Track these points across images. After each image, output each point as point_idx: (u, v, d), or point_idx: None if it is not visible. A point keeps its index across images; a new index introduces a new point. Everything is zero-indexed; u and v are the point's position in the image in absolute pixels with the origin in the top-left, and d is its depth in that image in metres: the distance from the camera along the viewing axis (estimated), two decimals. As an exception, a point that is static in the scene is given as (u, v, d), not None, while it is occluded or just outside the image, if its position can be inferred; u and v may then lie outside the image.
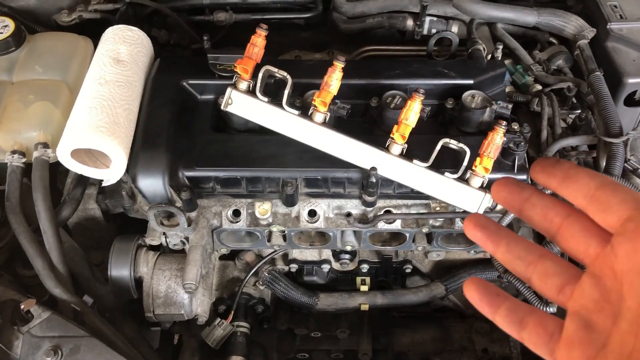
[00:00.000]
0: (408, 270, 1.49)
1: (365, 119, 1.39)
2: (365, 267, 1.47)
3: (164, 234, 1.28)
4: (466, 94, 1.32)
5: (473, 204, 1.20)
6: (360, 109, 1.38)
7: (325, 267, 1.47)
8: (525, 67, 1.51)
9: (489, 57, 1.51)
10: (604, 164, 1.24)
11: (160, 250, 1.33)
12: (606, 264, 0.46)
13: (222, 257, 1.49)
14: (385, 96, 1.33)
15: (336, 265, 1.48)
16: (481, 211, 1.20)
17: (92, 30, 1.45)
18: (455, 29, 1.68)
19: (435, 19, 1.72)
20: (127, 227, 1.41)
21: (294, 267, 1.46)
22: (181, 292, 1.24)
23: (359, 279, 1.49)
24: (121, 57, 1.32)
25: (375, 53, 1.81)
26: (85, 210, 1.31)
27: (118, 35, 1.37)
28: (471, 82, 1.36)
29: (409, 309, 1.66)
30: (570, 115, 1.42)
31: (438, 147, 1.17)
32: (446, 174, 1.19)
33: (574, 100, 1.42)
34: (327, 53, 1.87)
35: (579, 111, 1.40)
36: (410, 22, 1.75)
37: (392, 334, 1.61)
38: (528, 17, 1.43)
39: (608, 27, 1.41)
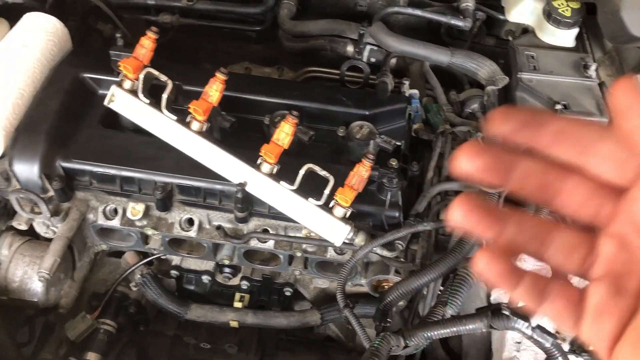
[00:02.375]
0: (288, 294, 1.47)
1: (263, 136, 1.38)
2: (245, 284, 1.46)
3: (32, 220, 1.29)
4: (354, 124, 1.31)
5: (332, 233, 1.18)
6: (259, 124, 1.38)
7: (206, 279, 1.46)
8: (439, 106, 1.49)
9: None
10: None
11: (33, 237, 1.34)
12: (627, 221, 0.41)
13: (111, 254, 1.50)
14: (274, 115, 1.33)
15: (219, 278, 1.47)
16: (339, 242, 1.19)
17: (16, 17, 1.48)
18: (393, 61, 1.67)
19: (375, 48, 1.71)
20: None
21: (175, 273, 1.46)
22: (36, 279, 1.24)
23: (238, 295, 1.47)
24: (27, 43, 1.34)
25: (319, 75, 1.81)
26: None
27: (32, 22, 1.39)
28: (366, 113, 1.35)
29: (300, 334, 1.64)
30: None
31: (302, 171, 1.16)
32: (310, 199, 1.18)
33: (478, 145, 1.39)
34: (276, 68, 1.87)
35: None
36: (350, 48, 1.75)
37: (276, 356, 1.58)
38: (441, 56, 1.41)
39: (518, 76, 1.38)
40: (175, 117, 1.22)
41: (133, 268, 1.40)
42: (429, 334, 1.04)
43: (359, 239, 1.18)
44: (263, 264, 1.39)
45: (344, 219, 1.18)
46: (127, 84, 1.24)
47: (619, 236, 0.41)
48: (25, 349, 1.41)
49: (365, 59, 1.72)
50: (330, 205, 1.18)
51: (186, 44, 1.94)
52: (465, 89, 1.60)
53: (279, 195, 1.19)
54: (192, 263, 1.47)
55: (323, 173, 1.16)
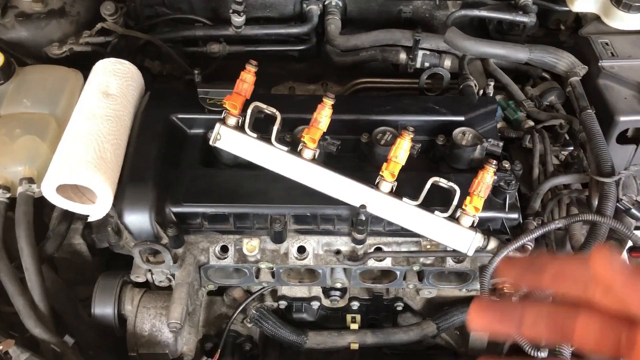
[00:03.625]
0: (399, 308, 1.46)
1: (355, 155, 1.38)
2: (355, 305, 1.45)
3: (150, 270, 1.26)
4: (457, 131, 1.31)
5: (463, 244, 1.18)
6: (350, 144, 1.37)
7: (315, 304, 1.45)
8: (518, 102, 1.50)
9: (481, 92, 1.51)
10: (596, 204, 1.22)
11: (146, 287, 1.31)
12: None
13: (210, 293, 1.47)
14: (375, 132, 1.32)
15: (326, 302, 1.46)
16: (472, 251, 1.19)
17: (84, 63, 1.45)
18: (448, 63, 1.68)
19: (428, 52, 1.72)
20: (113, 262, 1.39)
21: (283, 303, 1.44)
22: (166, 331, 1.21)
23: (349, 317, 1.46)
24: (110, 91, 1.31)
25: (368, 85, 1.81)
26: (70, 245, 1.29)
27: (108, 69, 1.36)
28: (462, 118, 1.35)
29: (401, 347, 1.63)
30: (562, 152, 1.41)
31: (428, 185, 1.16)
32: (436, 212, 1.18)
33: (566, 137, 1.41)
34: (320, 85, 1.87)
35: (571, 148, 1.39)
36: (403, 56, 1.75)
37: (384, 373, 1.57)
38: (520, 54, 1.43)
39: (600, 64, 1.41)
40: (286, 148, 1.21)
41: (246, 302, 1.38)
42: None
43: (492, 245, 1.19)
44: (375, 282, 1.38)
45: (472, 227, 1.18)
46: (232, 121, 1.22)
47: None
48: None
49: (418, 65, 1.73)
50: (457, 215, 1.18)
51: (233, 71, 1.92)
52: (531, 83, 1.62)
53: (403, 213, 1.19)
54: (298, 291, 1.45)
55: (449, 184, 1.16)
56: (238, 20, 1.74)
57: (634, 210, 1.21)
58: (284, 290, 1.44)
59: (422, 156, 1.37)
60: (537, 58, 1.43)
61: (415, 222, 1.19)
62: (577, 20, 1.71)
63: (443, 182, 1.16)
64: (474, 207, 1.15)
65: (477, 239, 1.17)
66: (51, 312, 1.15)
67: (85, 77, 1.38)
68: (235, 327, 1.42)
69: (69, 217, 1.24)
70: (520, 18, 1.53)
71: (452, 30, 1.44)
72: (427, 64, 1.72)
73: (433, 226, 1.19)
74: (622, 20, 1.48)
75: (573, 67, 1.42)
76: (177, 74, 1.82)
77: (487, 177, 1.15)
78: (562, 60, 1.43)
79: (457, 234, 1.18)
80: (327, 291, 1.45)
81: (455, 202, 1.16)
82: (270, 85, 1.85)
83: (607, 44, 1.45)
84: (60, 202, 1.18)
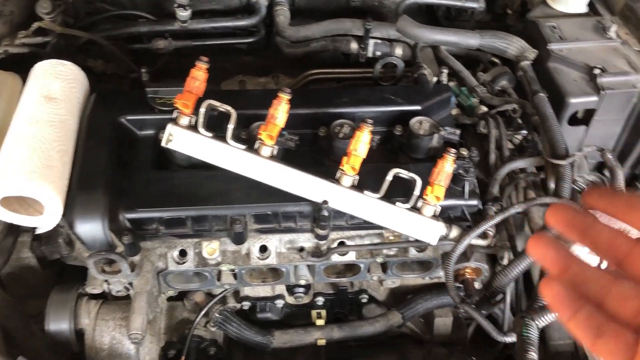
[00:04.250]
0: (364, 300, 1.46)
1: (314, 149, 1.35)
2: (320, 300, 1.43)
3: (106, 281, 1.21)
4: (413, 121, 1.30)
5: (426, 233, 1.18)
6: (308, 138, 1.35)
7: (279, 303, 1.42)
8: (470, 89, 1.51)
9: (435, 80, 1.51)
10: (553, 186, 1.24)
11: (103, 298, 1.25)
12: None
13: (170, 298, 1.42)
14: (333, 125, 1.30)
15: (290, 300, 1.44)
16: (435, 241, 1.19)
17: (21, 66, 1.36)
18: (399, 51, 1.67)
19: (379, 41, 1.71)
20: (65, 274, 1.33)
21: (246, 304, 1.41)
22: (127, 342, 1.17)
23: (314, 313, 1.44)
24: (53, 94, 1.24)
25: (320, 77, 1.79)
26: (19, 259, 1.23)
27: (48, 71, 1.29)
28: (419, 108, 1.35)
29: (366, 338, 1.63)
30: (516, 136, 1.42)
31: (389, 177, 1.15)
32: (398, 204, 1.17)
33: (520, 121, 1.43)
34: (271, 77, 1.83)
35: (525, 132, 1.41)
36: (354, 45, 1.73)
37: (352, 365, 1.57)
38: (471, 40, 1.43)
39: (548, 47, 1.43)
40: (243, 147, 1.17)
41: (208, 306, 1.34)
42: (552, 316, 1.06)
43: (454, 233, 1.19)
44: (340, 276, 1.36)
45: (434, 216, 1.18)
46: (185, 120, 1.18)
47: None
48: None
49: (370, 53, 1.71)
50: (418, 205, 1.17)
51: (180, 66, 1.86)
52: (481, 68, 1.63)
53: (365, 206, 1.18)
54: (261, 290, 1.43)
55: (410, 175, 1.15)
56: (184, 14, 1.68)
57: (589, 191, 1.24)
58: (247, 290, 1.41)
59: (380, 147, 1.36)
60: (488, 44, 1.44)
61: (378, 215, 1.18)
62: (523, 4, 1.73)
63: (404, 173, 1.15)
64: (435, 197, 1.15)
65: (440, 228, 1.17)
66: (1, 331, 1.08)
67: (24, 81, 1.30)
68: (199, 332, 1.38)
69: (14, 230, 1.17)
70: (470, 4, 1.54)
71: (404, 19, 1.43)
72: (378, 53, 1.71)
73: (396, 218, 1.18)
74: (567, 3, 1.50)
75: (523, 51, 1.44)
76: (122, 73, 1.75)
77: (446, 166, 1.15)
78: (513, 45, 1.44)
79: (420, 224, 1.17)
80: (291, 288, 1.43)
81: (416, 192, 1.15)
82: (219, 80, 1.81)
83: (554, 27, 1.47)
84: (5, 216, 1.11)
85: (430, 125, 1.30)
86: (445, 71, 1.47)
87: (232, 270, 1.27)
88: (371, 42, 1.70)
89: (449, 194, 1.24)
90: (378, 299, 1.49)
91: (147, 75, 1.38)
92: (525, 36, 1.49)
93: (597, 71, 1.36)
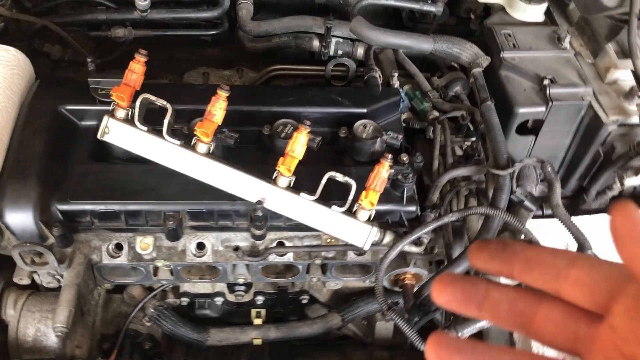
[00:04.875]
0: (304, 301, 1.45)
1: (259, 147, 1.34)
2: (260, 299, 1.43)
3: (35, 272, 1.19)
4: (357, 124, 1.30)
5: (359, 238, 1.18)
6: (254, 136, 1.34)
7: (219, 300, 1.42)
8: (424, 93, 1.50)
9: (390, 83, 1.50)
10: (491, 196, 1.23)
11: (36, 289, 1.24)
12: (608, 346, 0.42)
13: (110, 291, 1.41)
14: (276, 125, 1.29)
15: (231, 297, 1.43)
16: (367, 246, 1.18)
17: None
18: (360, 51, 1.66)
19: (341, 40, 1.69)
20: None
21: (185, 300, 1.40)
22: (52, 335, 1.16)
23: (254, 312, 1.44)
24: (-9, 80, 1.23)
25: (283, 72, 1.78)
26: (-51, 245, 1.20)
27: (-11, 56, 1.27)
28: (364, 110, 1.34)
29: (312, 338, 1.62)
30: (466, 143, 1.42)
31: (324, 180, 1.14)
32: (333, 207, 1.16)
33: (470, 127, 1.42)
34: (235, 70, 1.82)
35: (474, 139, 1.40)
36: (316, 43, 1.72)
37: (294, 365, 1.57)
38: (424, 44, 1.42)
39: (501, 55, 1.42)
40: (179, 142, 1.16)
41: (143, 302, 1.33)
42: (478, 325, 1.06)
43: (388, 239, 1.18)
44: (279, 276, 1.36)
45: (369, 221, 1.17)
46: (121, 113, 1.16)
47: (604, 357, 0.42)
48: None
49: (332, 52, 1.70)
50: (353, 209, 1.17)
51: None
52: (438, 73, 1.62)
53: (300, 207, 1.17)
54: (201, 287, 1.42)
55: (345, 179, 1.14)
56: (142, 3, 1.66)
57: (527, 202, 1.24)
58: (186, 286, 1.40)
59: (326, 148, 1.35)
60: (441, 49, 1.42)
61: (313, 217, 1.17)
62: (486, 9, 1.72)
63: (339, 177, 1.14)
64: (369, 202, 1.14)
65: (373, 233, 1.17)
66: None
67: (-34, 65, 1.28)
68: (136, 327, 1.37)
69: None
70: (428, 7, 1.52)
71: (358, 19, 1.42)
72: (340, 52, 1.70)
73: (330, 221, 1.17)
74: (524, 11, 1.49)
75: (476, 57, 1.43)
76: (81, 60, 1.73)
77: (382, 172, 1.14)
78: (466, 51, 1.43)
79: (354, 229, 1.17)
80: (231, 286, 1.42)
81: (351, 197, 1.14)
82: (182, 71, 1.79)
83: (509, 35, 1.46)
84: None
85: (374, 129, 1.29)
86: (396, 74, 1.46)
87: (168, 266, 1.26)
88: (333, 40, 1.69)
89: (388, 199, 1.24)
90: (320, 300, 1.49)
91: (92, 65, 1.36)
92: (482, 43, 1.49)
93: (546, 82, 1.35)
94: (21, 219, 1.14)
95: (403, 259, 1.33)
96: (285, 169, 1.15)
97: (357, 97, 1.36)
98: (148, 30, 1.77)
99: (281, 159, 1.15)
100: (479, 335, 1.38)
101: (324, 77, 1.56)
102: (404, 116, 1.46)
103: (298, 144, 1.14)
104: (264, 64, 1.79)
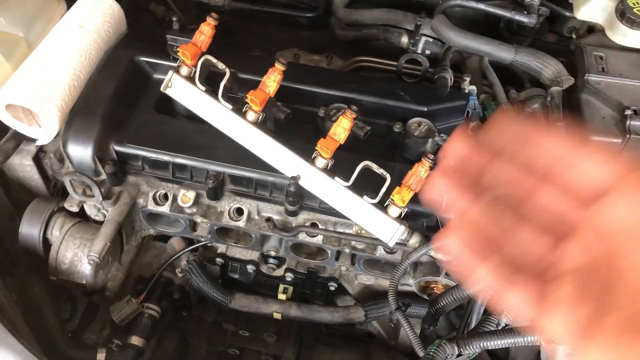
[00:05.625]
0: (332, 288, 1.45)
1: (312, 128, 1.36)
2: (289, 276, 1.44)
3: (84, 202, 1.29)
4: (412, 121, 1.27)
5: (386, 233, 1.15)
6: (311, 116, 1.35)
7: (250, 268, 1.45)
8: (498, 105, 1.44)
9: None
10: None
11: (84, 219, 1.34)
12: (591, 227, 0.43)
13: (155, 238, 1.49)
14: (330, 107, 1.30)
15: (263, 268, 1.46)
16: (393, 242, 1.16)
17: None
18: (450, 55, 1.62)
19: (431, 40, 1.67)
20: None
21: (220, 261, 1.45)
22: (85, 262, 1.24)
23: (281, 287, 1.46)
24: (83, 24, 1.34)
25: (369, 65, 1.78)
26: (22, 165, 1.33)
27: (89, 2, 1.38)
28: (424, 109, 1.31)
29: (340, 328, 1.62)
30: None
31: (358, 168, 1.13)
32: (365, 197, 1.15)
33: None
34: (325, 56, 1.84)
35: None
36: (405, 39, 1.70)
37: (315, 349, 1.57)
38: (504, 53, 1.36)
39: (585, 78, 1.32)
40: (231, 107, 1.20)
41: (179, 254, 1.40)
42: (484, 344, 1.01)
43: (414, 240, 1.15)
44: (309, 257, 1.37)
45: (398, 218, 1.15)
46: (185, 71, 1.22)
47: (583, 240, 0.43)
48: (68, 325, 1.43)
49: (420, 50, 1.67)
50: (385, 204, 1.15)
51: (236, 28, 1.92)
52: (525, 87, 1.55)
53: (333, 191, 1.17)
54: (237, 252, 1.46)
55: (380, 171, 1.12)
56: (245, -24, 1.73)
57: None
58: (222, 248, 1.45)
59: (379, 141, 1.34)
60: (522, 60, 1.36)
61: (343, 203, 1.17)
62: (590, 30, 1.61)
63: (374, 168, 1.13)
64: (401, 199, 1.12)
65: (400, 231, 1.14)
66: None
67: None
68: (170, 275, 1.44)
69: (17, 138, 1.27)
70: (520, 17, 1.45)
71: (440, 18, 1.39)
72: (428, 52, 1.67)
73: (359, 210, 1.16)
74: (625, 35, 1.38)
75: (559, 76, 1.34)
76: (183, 23, 1.84)
77: (421, 171, 1.11)
78: (548, 68, 1.35)
79: (381, 222, 1.15)
80: (265, 258, 1.45)
81: (383, 190, 1.12)
82: (275, 49, 1.84)
83: (601, 58, 1.36)
84: (8, 120, 1.22)
85: (428, 128, 1.26)
86: (468, 79, 1.41)
87: (206, 223, 1.31)
88: (423, 39, 1.66)
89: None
90: (350, 291, 1.48)
91: (177, 24, 1.44)
92: (570, 62, 1.40)
93: (629, 112, 1.25)
94: (80, 151, 1.24)
95: (435, 267, 1.30)
96: (324, 150, 1.15)
97: (419, 94, 1.33)
98: (247, 4, 1.84)
99: (322, 139, 1.15)
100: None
101: (396, 72, 1.54)
102: (472, 124, 1.41)
103: (340, 128, 1.14)
104: (353, 54, 1.80)
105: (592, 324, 0.41)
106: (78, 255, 1.25)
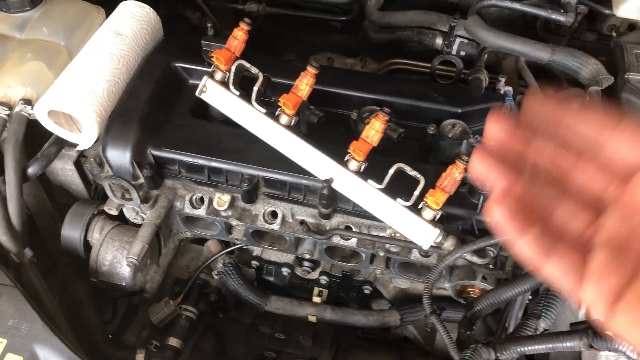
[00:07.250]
0: (367, 292, 1.45)
1: (347, 130, 1.36)
2: (324, 280, 1.44)
3: (123, 206, 1.32)
4: (446, 122, 1.26)
5: (420, 236, 1.14)
6: (344, 119, 1.36)
7: (286, 271, 1.46)
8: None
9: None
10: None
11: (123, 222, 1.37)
12: (630, 203, 0.45)
13: (195, 241, 1.52)
14: (362, 110, 1.30)
15: (298, 271, 1.47)
16: (427, 245, 1.15)
17: (113, 3, 1.51)
18: (485, 55, 1.60)
19: (465, 41, 1.65)
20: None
21: (255, 264, 1.46)
22: (124, 264, 1.27)
23: (316, 290, 1.46)
24: (121, 31, 1.37)
25: (403, 67, 1.77)
26: (64, 169, 1.37)
27: (126, 10, 1.42)
28: (458, 110, 1.29)
29: (377, 332, 1.61)
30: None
31: (391, 170, 1.13)
32: (398, 200, 1.14)
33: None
34: (359, 60, 1.85)
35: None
36: (439, 41, 1.69)
37: (350, 353, 1.57)
38: (540, 53, 1.33)
39: (626, 76, 1.29)
40: (264, 110, 1.21)
41: (216, 257, 1.42)
42: (521, 349, 0.99)
43: (448, 244, 1.14)
44: (344, 260, 1.37)
45: (433, 221, 1.14)
46: (219, 75, 1.24)
47: (621, 214, 0.45)
48: (109, 326, 1.47)
49: (454, 52, 1.66)
50: (419, 206, 1.14)
51: (270, 33, 1.94)
52: (563, 87, 1.51)
53: (366, 194, 1.17)
54: (273, 255, 1.47)
55: (413, 173, 1.12)
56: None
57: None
58: (258, 251, 1.46)
59: (414, 144, 1.33)
60: (559, 60, 1.33)
61: (377, 206, 1.16)
62: (631, 28, 1.57)
63: (408, 170, 1.12)
64: (435, 201, 1.11)
65: (434, 234, 1.13)
66: (25, 226, 1.23)
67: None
68: (207, 278, 1.46)
69: (60, 143, 1.31)
70: (557, 16, 1.42)
71: (473, 18, 1.37)
72: (462, 53, 1.65)
73: (393, 213, 1.15)
74: (668, 32, 1.34)
75: (597, 75, 1.31)
76: (218, 29, 1.87)
77: (455, 173, 1.10)
78: (587, 67, 1.32)
79: (415, 225, 1.14)
80: (300, 261, 1.45)
81: (417, 192, 1.12)
82: (309, 53, 1.85)
83: (642, 55, 1.32)
84: (50, 126, 1.25)
85: (462, 130, 1.25)
86: (503, 79, 1.39)
87: (241, 226, 1.32)
88: (457, 40, 1.65)
89: (462, 204, 1.19)
90: (385, 295, 1.47)
91: (212, 30, 1.47)
92: (609, 60, 1.36)
93: (671, 111, 1.21)
94: (118, 156, 1.27)
95: (471, 271, 1.28)
96: (357, 153, 1.15)
97: (453, 96, 1.32)
98: (281, 9, 1.86)
99: (354, 142, 1.15)
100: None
101: (429, 73, 1.53)
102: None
103: (372, 130, 1.14)
104: (386, 57, 1.79)
105: (620, 292, 0.43)
106: (117, 258, 1.28)
